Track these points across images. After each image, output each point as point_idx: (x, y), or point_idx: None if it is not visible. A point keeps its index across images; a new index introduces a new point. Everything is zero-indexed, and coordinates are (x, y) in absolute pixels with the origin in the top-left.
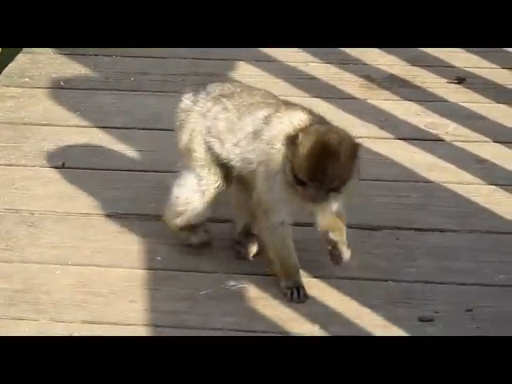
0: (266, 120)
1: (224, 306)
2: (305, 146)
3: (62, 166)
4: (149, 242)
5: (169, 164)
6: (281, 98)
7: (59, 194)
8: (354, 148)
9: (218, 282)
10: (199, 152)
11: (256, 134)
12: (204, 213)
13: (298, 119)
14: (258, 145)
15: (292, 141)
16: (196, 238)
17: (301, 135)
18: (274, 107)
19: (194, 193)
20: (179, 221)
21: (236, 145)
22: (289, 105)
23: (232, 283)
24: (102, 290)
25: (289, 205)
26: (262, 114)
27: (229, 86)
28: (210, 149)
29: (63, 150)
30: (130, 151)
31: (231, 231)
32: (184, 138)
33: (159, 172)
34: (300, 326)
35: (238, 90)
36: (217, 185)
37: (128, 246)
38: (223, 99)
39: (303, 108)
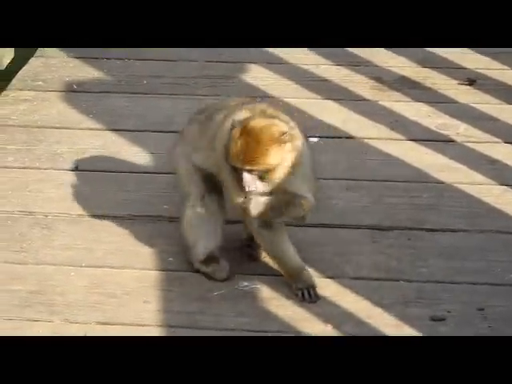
0: (220, 123)
1: (237, 307)
2: (233, 135)
3: (76, 169)
4: (161, 244)
5: None
6: (291, 100)
7: (72, 196)
8: (279, 134)
9: (231, 283)
10: (181, 167)
11: (213, 138)
12: (208, 228)
13: (241, 117)
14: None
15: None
16: (220, 272)
17: (234, 128)
18: (231, 110)
19: (186, 212)
20: (197, 253)
21: (202, 150)
22: (245, 105)
23: (245, 284)
24: (116, 291)
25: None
26: (219, 117)
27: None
28: (188, 161)
29: (76, 153)
30: (142, 154)
31: (243, 232)
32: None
33: (171, 174)
34: (312, 326)
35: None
36: (201, 196)
37: (141, 248)
38: (198, 115)
39: (262, 105)
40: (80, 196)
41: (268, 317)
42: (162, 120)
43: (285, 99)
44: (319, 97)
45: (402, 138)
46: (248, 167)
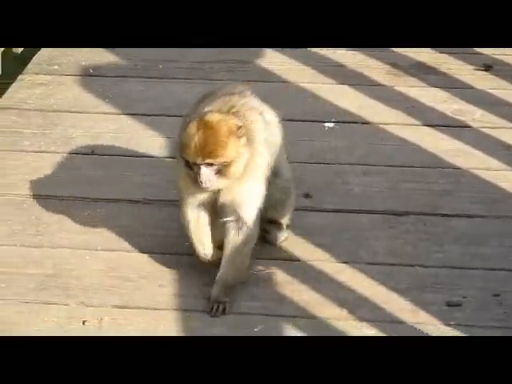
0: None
1: (252, 291)
2: (189, 129)
3: (91, 153)
4: (177, 228)
5: None
6: (306, 85)
7: (88, 180)
8: (235, 127)
9: None
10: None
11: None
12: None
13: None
14: None
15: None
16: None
17: (189, 122)
18: (207, 102)
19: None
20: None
21: None
22: (224, 97)
23: (260, 268)
24: (131, 274)
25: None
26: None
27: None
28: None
29: (92, 137)
30: (157, 137)
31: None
32: None
33: None
34: (328, 310)
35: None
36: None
37: (156, 231)
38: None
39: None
40: (95, 180)
41: (283, 301)
42: (177, 104)
43: (300, 84)
44: (335, 82)
45: (418, 123)
46: (207, 160)
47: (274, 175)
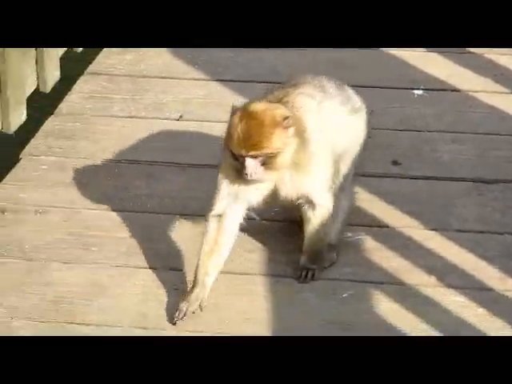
0: None
1: (341, 257)
2: (233, 119)
3: (180, 118)
4: None
5: None
6: (396, 52)
7: (177, 145)
8: (280, 118)
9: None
10: None
11: None
12: None
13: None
14: None
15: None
16: None
17: (233, 112)
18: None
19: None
20: None
21: None
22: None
23: (349, 234)
24: None
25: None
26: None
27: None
28: None
29: (181, 103)
30: None
31: None
32: None
33: None
34: (416, 277)
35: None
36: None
37: None
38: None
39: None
40: (184, 145)
41: (372, 267)
42: (266, 71)
43: (390, 51)
44: (424, 49)
45: (507, 91)
46: (251, 153)
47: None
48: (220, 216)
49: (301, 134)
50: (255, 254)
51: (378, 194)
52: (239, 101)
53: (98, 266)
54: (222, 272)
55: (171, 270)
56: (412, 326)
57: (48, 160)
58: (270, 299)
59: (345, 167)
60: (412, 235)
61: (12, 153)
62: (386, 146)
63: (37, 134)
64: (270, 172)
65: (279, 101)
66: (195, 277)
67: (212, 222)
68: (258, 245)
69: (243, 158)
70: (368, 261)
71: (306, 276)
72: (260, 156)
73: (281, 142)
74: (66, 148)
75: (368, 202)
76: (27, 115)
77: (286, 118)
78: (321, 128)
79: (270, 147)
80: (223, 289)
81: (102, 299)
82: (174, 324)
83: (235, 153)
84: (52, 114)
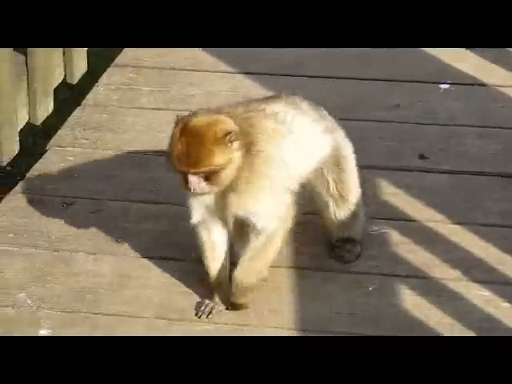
0: None
1: (366, 250)
2: (174, 134)
3: None
4: None
5: None
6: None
7: None
8: (222, 133)
9: None
10: None
11: None
12: None
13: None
14: None
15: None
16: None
17: (176, 125)
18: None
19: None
20: None
21: None
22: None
23: (375, 228)
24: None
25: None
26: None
27: None
28: None
29: (208, 95)
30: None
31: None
32: None
33: None
34: (441, 271)
35: None
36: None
37: None
38: None
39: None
40: None
41: (397, 261)
42: (291, 64)
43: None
44: None
45: None
46: (192, 170)
47: (337, 188)
48: (203, 220)
49: (249, 150)
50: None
51: (404, 188)
52: (261, 93)
53: (123, 257)
54: None
55: (197, 262)
56: (437, 319)
57: (75, 151)
58: (295, 292)
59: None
60: (437, 229)
61: (39, 144)
62: (412, 139)
63: (64, 126)
64: (214, 186)
65: (239, 115)
66: (210, 284)
67: (200, 229)
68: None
69: (185, 174)
70: (393, 254)
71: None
72: (201, 173)
73: (222, 158)
74: (92, 139)
75: (394, 195)
76: (54, 106)
77: (228, 132)
78: (278, 147)
79: (211, 164)
80: None
81: (127, 290)
82: (199, 317)
83: (176, 169)
84: (79, 105)
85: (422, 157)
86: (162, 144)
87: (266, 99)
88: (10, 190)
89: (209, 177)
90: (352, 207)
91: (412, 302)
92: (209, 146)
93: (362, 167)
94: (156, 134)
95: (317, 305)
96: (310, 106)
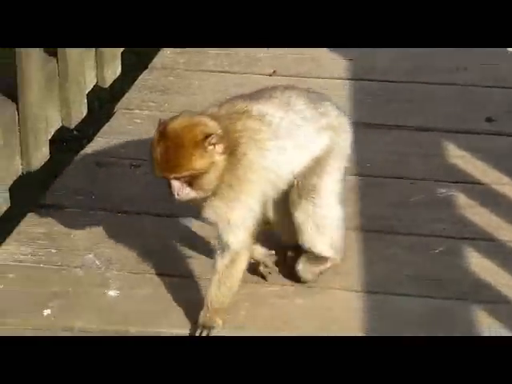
0: None
1: (433, 213)
2: (154, 137)
3: (273, 74)
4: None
5: None
6: None
7: None
8: (202, 136)
9: (428, 189)
10: None
11: None
12: None
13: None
14: None
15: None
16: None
17: (157, 127)
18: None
19: None
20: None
21: None
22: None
23: (442, 190)
24: None
25: None
26: None
27: None
28: None
29: (275, 58)
30: (340, 60)
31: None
32: None
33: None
34: (508, 233)
35: None
36: None
37: None
38: None
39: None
40: None
41: (464, 224)
42: None
43: None
44: None
45: None
46: (172, 175)
47: (306, 193)
48: None
49: (233, 153)
50: (347, 208)
51: (471, 151)
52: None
53: (189, 219)
54: None
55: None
56: (504, 282)
57: (142, 114)
58: (361, 254)
59: (321, 181)
60: (504, 191)
61: (107, 106)
62: (479, 102)
63: (131, 88)
64: (198, 191)
65: (223, 116)
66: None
67: None
68: (351, 199)
69: (166, 179)
70: (460, 217)
71: (200, 334)
72: (182, 177)
73: (203, 162)
74: (159, 102)
75: (460, 158)
76: (122, 69)
77: (208, 135)
78: (262, 151)
79: (192, 168)
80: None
81: (191, 251)
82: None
83: (157, 174)
84: (146, 68)
85: (488, 120)
86: None
87: (257, 97)
88: (76, 153)
89: (191, 182)
90: (318, 217)
91: (479, 264)
92: (188, 149)
93: (428, 130)
94: (222, 96)
95: (383, 267)
96: (309, 101)
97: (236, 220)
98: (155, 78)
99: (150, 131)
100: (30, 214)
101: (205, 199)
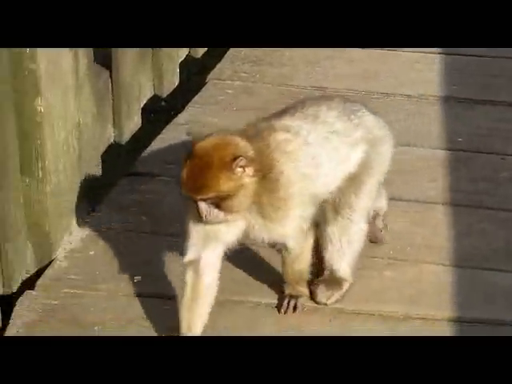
0: None
1: None
2: (184, 157)
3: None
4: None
5: None
6: None
7: (363, 73)
8: (230, 157)
9: None
10: None
11: None
12: None
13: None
14: None
15: None
16: None
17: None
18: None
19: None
20: None
21: None
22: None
23: None
24: (403, 167)
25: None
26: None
27: None
28: None
29: None
30: None
31: None
32: None
33: None
34: None
35: None
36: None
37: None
38: None
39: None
40: (371, 73)
41: None
42: None
43: None
44: None
45: None
46: (199, 196)
47: (342, 209)
48: (196, 261)
49: (266, 175)
50: (436, 182)
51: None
52: None
53: None
54: (404, 200)
55: None
56: None
57: (233, 84)
58: (451, 228)
59: (352, 198)
60: None
61: (195, 79)
62: None
63: (223, 59)
64: (226, 214)
65: (257, 134)
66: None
67: (189, 270)
68: (440, 175)
69: (194, 200)
70: None
71: (288, 304)
72: (209, 199)
73: (229, 184)
74: (251, 73)
75: None
76: None
77: (236, 157)
78: (295, 168)
79: (217, 190)
80: (406, 216)
81: None
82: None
83: (184, 195)
84: None
85: None
86: (321, 78)
87: (282, 114)
88: (166, 123)
89: (219, 204)
90: (352, 233)
91: None
92: (215, 170)
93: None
94: (314, 69)
95: (472, 241)
96: (342, 114)
97: (292, 232)
98: (247, 49)
99: (241, 101)
100: (120, 182)
101: (253, 225)
